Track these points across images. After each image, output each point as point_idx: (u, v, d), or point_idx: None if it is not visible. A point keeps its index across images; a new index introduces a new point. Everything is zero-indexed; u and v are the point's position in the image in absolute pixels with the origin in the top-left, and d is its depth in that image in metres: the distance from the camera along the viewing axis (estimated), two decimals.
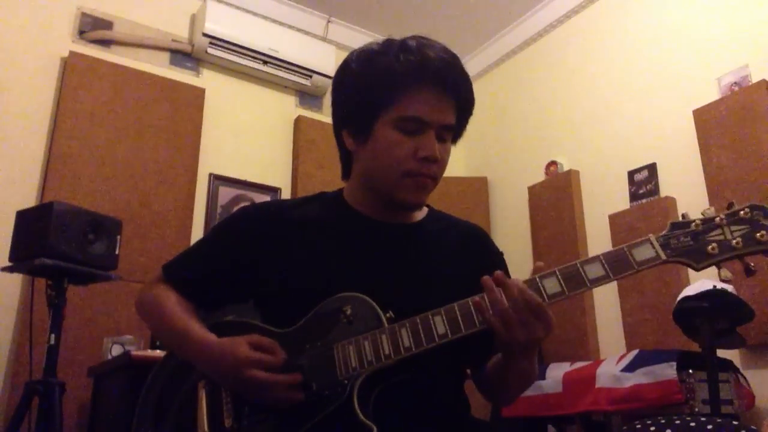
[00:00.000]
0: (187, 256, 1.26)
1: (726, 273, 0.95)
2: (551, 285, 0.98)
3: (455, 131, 1.17)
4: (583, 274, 0.97)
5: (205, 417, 1.07)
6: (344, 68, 1.19)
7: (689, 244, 0.96)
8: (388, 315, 1.02)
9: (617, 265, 0.97)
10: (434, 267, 1.17)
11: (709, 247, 0.95)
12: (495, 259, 1.25)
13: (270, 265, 1.14)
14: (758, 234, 0.93)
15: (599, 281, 0.97)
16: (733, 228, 0.95)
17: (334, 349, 1.03)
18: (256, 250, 1.16)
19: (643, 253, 0.96)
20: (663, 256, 0.96)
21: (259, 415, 1.04)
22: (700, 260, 0.95)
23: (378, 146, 1.12)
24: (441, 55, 1.11)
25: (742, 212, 0.95)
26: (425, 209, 1.28)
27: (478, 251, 1.24)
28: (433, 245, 1.20)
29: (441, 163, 1.13)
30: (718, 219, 0.96)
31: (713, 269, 0.97)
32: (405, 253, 1.17)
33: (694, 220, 0.97)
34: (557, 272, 0.98)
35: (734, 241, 0.94)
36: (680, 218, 0.99)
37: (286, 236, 1.16)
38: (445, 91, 1.11)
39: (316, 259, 1.13)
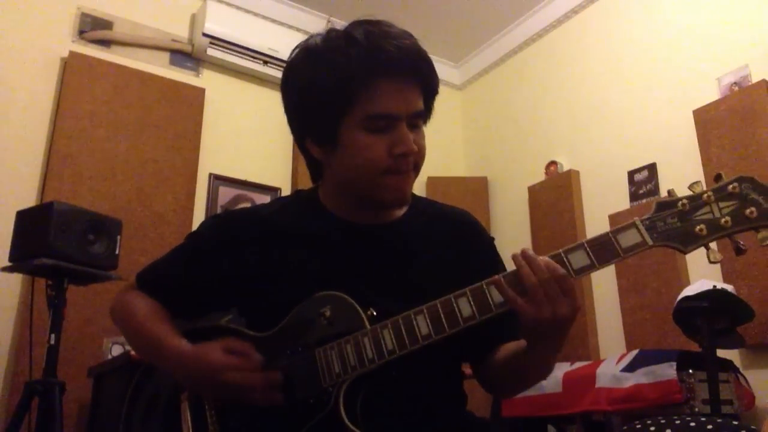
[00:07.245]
0: (160, 265, 1.20)
1: (715, 255, 0.90)
2: None
3: (425, 114, 1.09)
4: (567, 263, 0.92)
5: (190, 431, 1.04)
6: (291, 71, 1.09)
7: (676, 225, 0.92)
8: (369, 312, 0.98)
9: (602, 252, 0.92)
10: (418, 265, 1.10)
11: (697, 228, 0.90)
12: (486, 248, 1.20)
13: (246, 273, 1.10)
14: (747, 211, 0.89)
15: (584, 271, 0.92)
16: (722, 204, 0.90)
17: (316, 354, 0.99)
18: (230, 259, 1.11)
19: (629, 238, 0.93)
20: (649, 242, 0.92)
21: (243, 428, 1.01)
22: (688, 243, 0.91)
23: (349, 152, 1.04)
24: (394, 42, 1.00)
25: (730, 186, 0.90)
26: None
27: (467, 241, 1.18)
28: (415, 242, 1.13)
29: (420, 151, 1.06)
30: (705, 196, 0.91)
31: (702, 252, 0.92)
32: (386, 253, 1.11)
33: (680, 199, 0.92)
34: None
35: (723, 220, 0.90)
36: (666, 195, 0.94)
37: (262, 244, 1.11)
38: (407, 77, 1.02)
39: (293, 266, 1.08)
